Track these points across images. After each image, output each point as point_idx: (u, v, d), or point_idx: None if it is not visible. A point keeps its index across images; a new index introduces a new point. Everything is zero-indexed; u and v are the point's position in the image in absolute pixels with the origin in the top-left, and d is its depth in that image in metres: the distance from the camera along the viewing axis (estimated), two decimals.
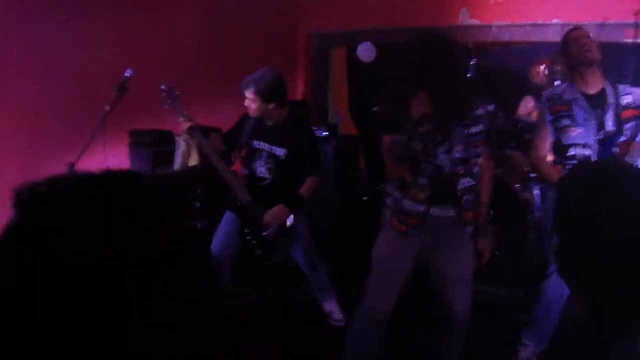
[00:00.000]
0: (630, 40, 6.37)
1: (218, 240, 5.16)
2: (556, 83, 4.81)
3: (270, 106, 4.96)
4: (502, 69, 7.64)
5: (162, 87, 4.93)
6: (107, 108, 4.76)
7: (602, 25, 6.65)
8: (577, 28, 4.41)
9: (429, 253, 4.03)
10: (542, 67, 7.29)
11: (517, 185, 6.38)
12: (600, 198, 1.54)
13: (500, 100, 7.32)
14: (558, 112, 4.35)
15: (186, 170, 6.12)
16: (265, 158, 5.08)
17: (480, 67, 6.95)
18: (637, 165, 3.96)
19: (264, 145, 5.08)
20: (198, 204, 5.60)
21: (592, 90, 4.25)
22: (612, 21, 6.61)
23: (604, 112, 4.19)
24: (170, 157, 6.03)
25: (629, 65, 6.59)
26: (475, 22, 7.51)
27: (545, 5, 7.05)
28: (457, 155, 3.79)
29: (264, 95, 4.92)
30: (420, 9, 7.68)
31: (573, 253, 1.60)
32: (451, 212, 3.89)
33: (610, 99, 4.21)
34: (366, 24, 7.98)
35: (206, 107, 5.93)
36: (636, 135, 4.09)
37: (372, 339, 4.05)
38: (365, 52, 7.71)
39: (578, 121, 4.24)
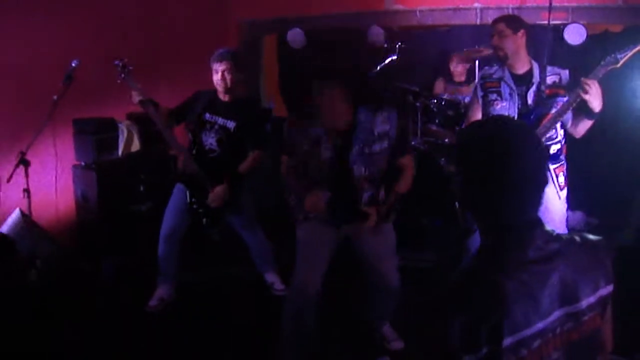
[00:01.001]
0: (545, 22, 6.77)
1: (169, 215, 5.37)
2: (486, 67, 5.23)
3: (242, 77, 5.29)
4: (425, 51, 7.98)
5: (116, 62, 5.10)
6: (55, 98, 4.96)
7: (519, 8, 7.04)
8: (494, 22, 4.80)
9: (351, 241, 4.37)
10: (460, 68, 7.70)
11: (442, 159, 6.75)
12: (494, 140, 1.97)
13: (423, 80, 7.73)
14: (488, 88, 4.77)
15: (129, 156, 6.30)
16: (216, 130, 5.28)
17: (405, 50, 7.28)
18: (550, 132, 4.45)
19: (217, 119, 5.29)
20: (142, 188, 5.77)
21: (520, 70, 4.66)
22: (529, 4, 7.01)
23: (527, 89, 4.60)
24: (113, 143, 6.18)
25: (545, 45, 6.98)
26: (399, 7, 7.78)
27: None
28: (367, 151, 4.14)
29: (240, 65, 5.25)
30: None
31: (466, 182, 2.02)
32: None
33: (536, 78, 4.60)
34: (295, 12, 8.17)
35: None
36: (551, 109, 4.47)
37: (308, 317, 4.24)
38: (295, 38, 7.98)
39: (504, 96, 4.67)
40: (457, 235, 5.83)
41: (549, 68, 4.64)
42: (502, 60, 4.71)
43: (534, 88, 4.59)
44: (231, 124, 5.25)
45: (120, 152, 6.33)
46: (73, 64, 5.07)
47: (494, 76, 4.78)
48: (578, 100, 4.21)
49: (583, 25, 6.74)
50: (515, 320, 1.74)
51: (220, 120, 5.28)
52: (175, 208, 5.37)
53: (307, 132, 4.23)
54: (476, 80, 4.98)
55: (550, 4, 6.42)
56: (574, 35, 6.75)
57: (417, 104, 7.04)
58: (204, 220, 5.31)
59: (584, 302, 1.90)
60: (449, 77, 7.83)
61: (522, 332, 1.76)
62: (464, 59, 7.63)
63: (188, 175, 5.26)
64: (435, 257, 6.32)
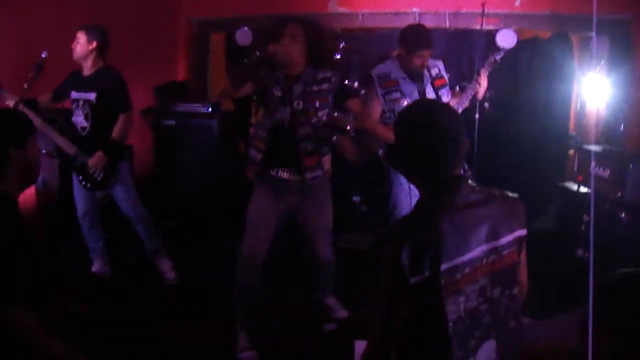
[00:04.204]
0: (479, 27, 7.22)
1: (76, 199, 5.76)
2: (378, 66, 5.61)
3: (91, 46, 5.48)
4: (366, 53, 8.36)
5: None
6: (25, 87, 5.28)
7: (455, 14, 7.50)
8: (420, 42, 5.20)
9: (295, 211, 4.83)
10: None
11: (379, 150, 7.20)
12: (422, 116, 2.54)
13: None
14: (389, 87, 5.25)
15: None
16: (81, 105, 5.55)
17: (347, 50, 7.68)
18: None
19: (80, 94, 5.55)
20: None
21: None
22: (464, 10, 7.48)
23: (424, 85, 5.18)
24: None
25: (479, 48, 7.46)
26: (343, 10, 8.21)
27: None
28: (298, 107, 4.57)
29: (89, 33, 5.47)
30: None
31: (405, 151, 2.53)
32: (295, 175, 4.67)
33: (427, 74, 5.19)
34: (243, 12, 8.51)
35: None
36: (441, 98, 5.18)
37: (254, 277, 4.68)
38: (243, 37, 8.29)
39: (405, 93, 5.17)
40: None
41: (429, 61, 5.22)
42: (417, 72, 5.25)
43: (428, 83, 5.18)
44: (91, 95, 5.50)
45: None
46: (43, 55, 5.35)
47: (392, 76, 5.25)
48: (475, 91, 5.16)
49: (514, 30, 7.20)
50: (450, 251, 2.26)
51: (82, 95, 5.52)
52: (77, 191, 5.71)
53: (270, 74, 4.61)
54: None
55: (484, 10, 6.91)
56: (506, 39, 7.20)
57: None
58: (97, 193, 5.67)
59: (503, 240, 2.42)
60: None
61: (455, 260, 2.27)
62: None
63: (71, 159, 5.56)
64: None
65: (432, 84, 5.19)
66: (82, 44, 5.46)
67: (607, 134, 7.11)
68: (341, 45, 7.57)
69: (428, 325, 2.32)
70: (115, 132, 5.49)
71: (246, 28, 8.23)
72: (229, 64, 9.10)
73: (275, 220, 4.72)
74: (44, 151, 6.27)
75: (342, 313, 5.16)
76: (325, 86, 4.61)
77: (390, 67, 5.29)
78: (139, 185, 6.00)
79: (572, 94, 8.14)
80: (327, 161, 4.82)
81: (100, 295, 5.55)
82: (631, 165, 5.53)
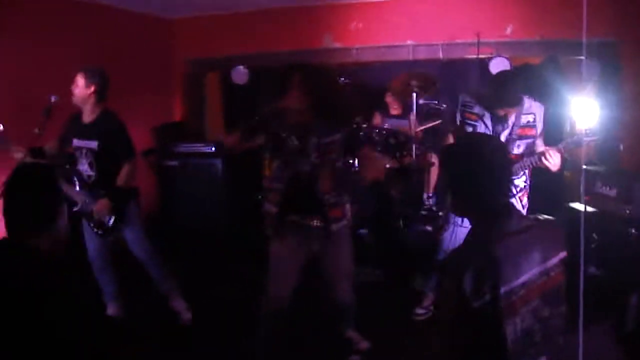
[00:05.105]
0: (474, 56, 7.38)
1: (88, 246, 5.61)
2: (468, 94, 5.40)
3: (89, 90, 5.31)
4: (361, 86, 8.46)
5: None
6: (37, 131, 5.13)
7: (448, 45, 7.67)
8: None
9: (317, 258, 4.77)
10: (395, 102, 8.16)
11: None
12: (468, 150, 2.70)
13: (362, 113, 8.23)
14: (467, 118, 5.14)
15: None
16: (84, 154, 5.40)
17: (348, 85, 7.82)
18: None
19: (81, 142, 5.39)
20: None
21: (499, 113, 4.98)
22: (457, 40, 7.65)
23: (503, 129, 4.98)
24: None
25: (474, 77, 7.63)
26: (338, 45, 8.38)
27: (399, 29, 7.95)
28: (316, 160, 4.50)
29: (87, 76, 5.31)
30: (288, 35, 8.50)
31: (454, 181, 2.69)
32: (318, 223, 4.62)
33: (511, 120, 4.97)
34: (238, 51, 8.66)
35: None
36: (519, 147, 4.95)
37: (278, 323, 4.68)
38: (239, 76, 8.42)
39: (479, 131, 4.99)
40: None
41: (526, 102, 4.96)
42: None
43: (509, 130, 4.95)
44: (93, 144, 5.35)
45: None
46: (52, 99, 5.28)
47: (475, 109, 5.07)
48: (537, 163, 4.75)
49: (506, 58, 7.35)
50: (506, 275, 2.39)
51: (84, 143, 5.39)
52: (87, 235, 5.57)
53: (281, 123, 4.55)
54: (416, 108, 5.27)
55: (479, 40, 7.08)
56: (499, 67, 7.34)
57: (361, 134, 7.55)
58: (108, 238, 5.53)
59: (550, 262, 2.58)
60: (385, 110, 8.27)
61: (511, 283, 2.40)
62: (398, 94, 8.05)
63: (80, 207, 5.40)
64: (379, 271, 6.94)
65: (513, 130, 4.96)
66: (80, 88, 5.33)
67: (601, 154, 7.23)
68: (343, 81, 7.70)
69: (489, 347, 2.43)
70: (121, 180, 5.40)
71: (241, 67, 8.38)
72: (225, 104, 9.24)
73: (298, 267, 4.70)
74: None
75: (364, 344, 5.16)
76: (337, 137, 4.57)
77: (479, 100, 5.13)
78: (145, 226, 5.93)
79: (564, 117, 8.32)
80: (348, 209, 4.82)
81: (116, 338, 5.55)
82: (637, 183, 5.68)
